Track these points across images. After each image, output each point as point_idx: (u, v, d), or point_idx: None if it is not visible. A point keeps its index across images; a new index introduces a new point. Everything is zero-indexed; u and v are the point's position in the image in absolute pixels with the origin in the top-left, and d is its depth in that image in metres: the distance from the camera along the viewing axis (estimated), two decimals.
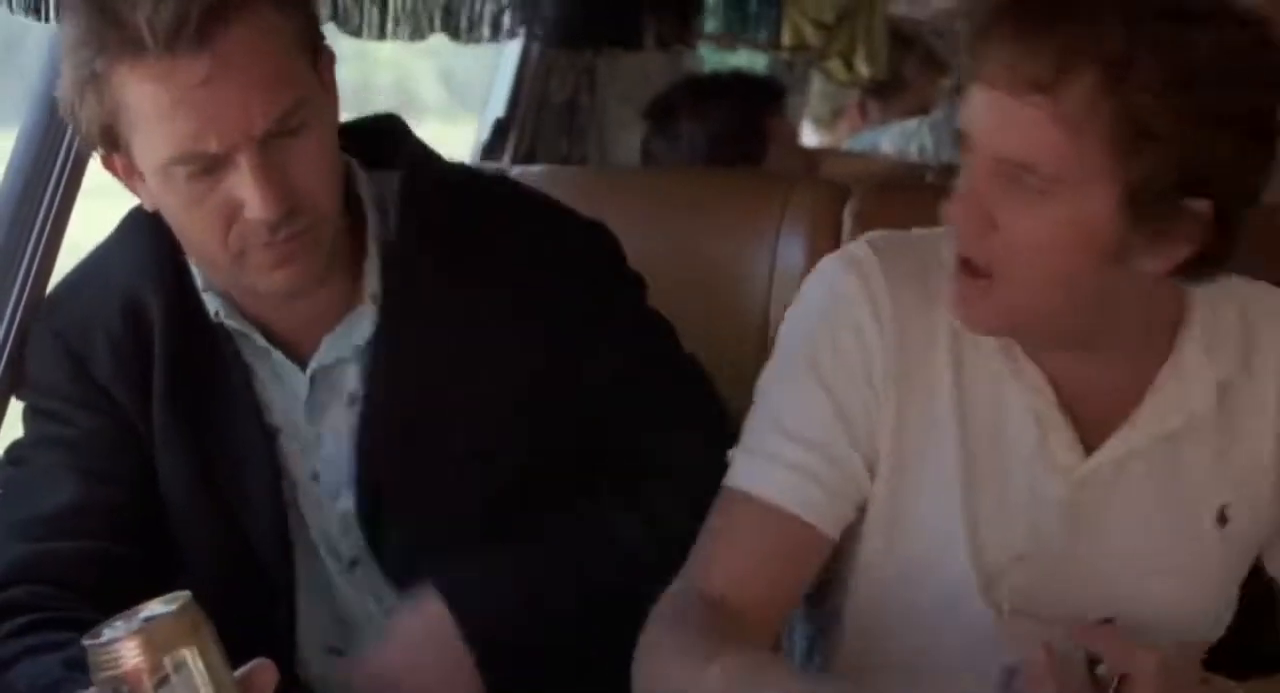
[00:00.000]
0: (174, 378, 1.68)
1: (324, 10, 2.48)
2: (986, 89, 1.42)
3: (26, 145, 1.97)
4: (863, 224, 2.09)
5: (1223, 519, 1.58)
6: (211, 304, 1.67)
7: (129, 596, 1.47)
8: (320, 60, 1.61)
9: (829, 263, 1.61)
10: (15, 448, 1.72)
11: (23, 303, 1.85)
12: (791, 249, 2.19)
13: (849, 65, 5.34)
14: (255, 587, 1.70)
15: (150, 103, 1.49)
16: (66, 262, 1.95)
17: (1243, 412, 1.58)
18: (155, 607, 1.15)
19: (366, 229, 1.69)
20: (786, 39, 5.21)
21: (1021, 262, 1.44)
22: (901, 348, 1.55)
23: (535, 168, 2.99)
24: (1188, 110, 1.36)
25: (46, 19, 1.83)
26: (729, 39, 4.68)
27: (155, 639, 1.12)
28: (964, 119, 1.46)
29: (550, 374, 1.71)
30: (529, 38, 3.29)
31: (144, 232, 1.69)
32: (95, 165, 2.01)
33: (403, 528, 1.69)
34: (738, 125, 3.02)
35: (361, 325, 1.68)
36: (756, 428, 1.60)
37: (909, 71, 5.32)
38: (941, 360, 1.56)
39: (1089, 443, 1.56)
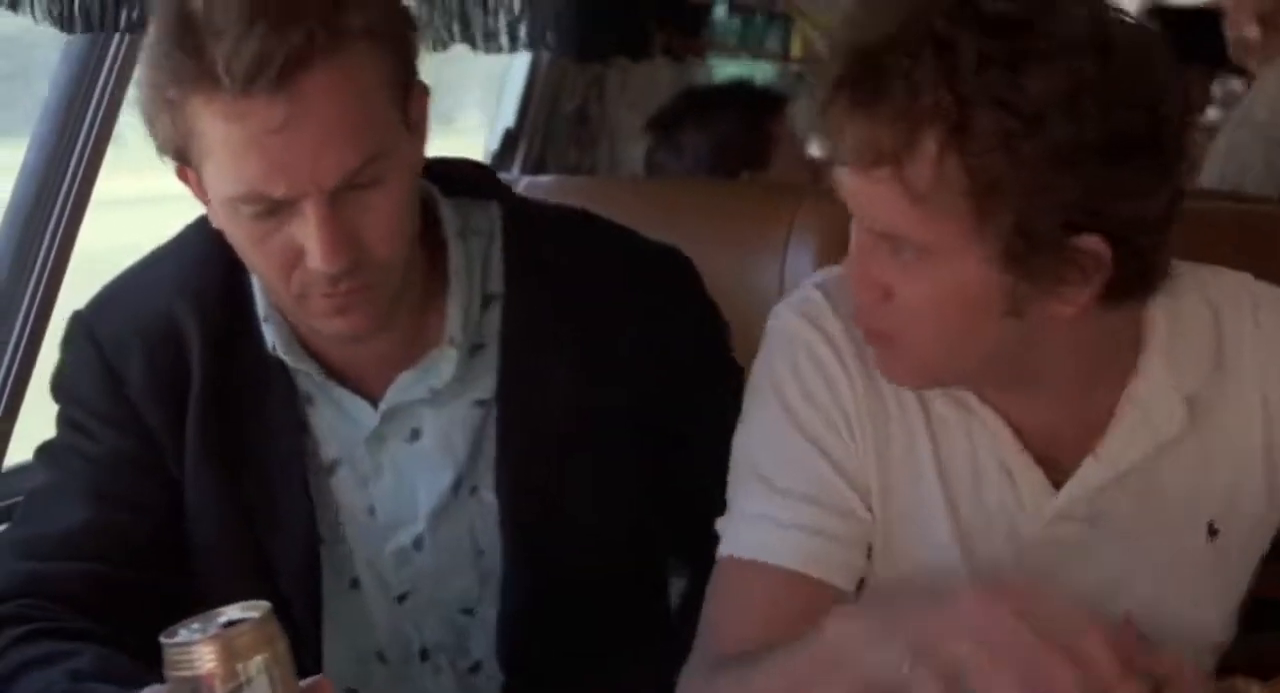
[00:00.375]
0: (211, 406, 1.61)
1: None
2: (840, 165, 1.36)
3: (38, 154, 1.98)
4: None
5: (1213, 532, 1.53)
6: (269, 336, 1.60)
7: (130, 618, 1.49)
8: (411, 98, 1.51)
9: (783, 310, 1.57)
10: (45, 451, 1.66)
11: (33, 312, 1.85)
12: (800, 260, 2.18)
13: None
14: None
15: (222, 139, 1.42)
16: (77, 275, 1.96)
17: (1221, 416, 1.51)
18: (235, 613, 1.15)
19: (446, 260, 1.62)
20: (796, 49, 5.22)
21: (917, 325, 1.39)
22: (870, 387, 1.51)
23: (544, 178, 2.99)
24: (1041, 155, 1.28)
25: (69, 30, 1.84)
26: (738, 49, 4.69)
27: (234, 647, 1.13)
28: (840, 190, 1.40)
29: (653, 433, 1.67)
30: (540, 48, 3.30)
31: (200, 246, 1.62)
32: (105, 174, 2.03)
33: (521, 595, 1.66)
34: (742, 133, 3.02)
35: (440, 369, 1.61)
36: (745, 490, 1.53)
37: None
38: (911, 401, 1.52)
39: (1058, 480, 1.50)
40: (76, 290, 1.87)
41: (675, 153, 3.01)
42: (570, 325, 1.63)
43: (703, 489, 1.56)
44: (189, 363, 1.61)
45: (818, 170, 3.26)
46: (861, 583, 1.56)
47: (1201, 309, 1.51)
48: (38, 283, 1.89)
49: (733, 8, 4.50)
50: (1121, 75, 1.30)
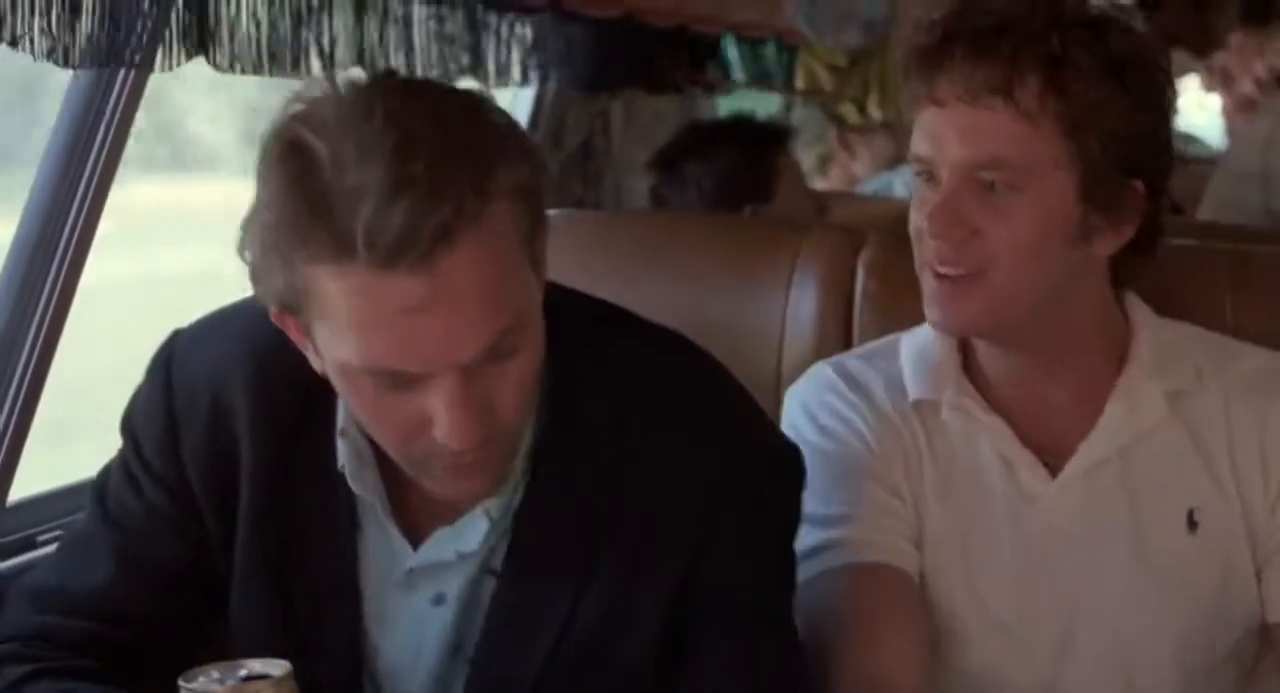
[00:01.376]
0: (265, 514, 1.50)
1: (350, 54, 2.49)
2: (942, 106, 1.60)
3: (42, 191, 1.99)
4: (877, 272, 2.08)
5: (1192, 523, 1.68)
6: (342, 455, 1.48)
7: (135, 674, 1.47)
8: (537, 241, 1.39)
9: (799, 385, 1.79)
10: (99, 486, 1.58)
11: (36, 350, 1.85)
12: (805, 295, 2.17)
13: (861, 108, 5.36)
14: None
15: (346, 311, 1.30)
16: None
17: (1198, 422, 1.69)
18: (256, 667, 1.15)
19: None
20: (800, 82, 5.24)
21: (1005, 259, 1.59)
22: (882, 428, 1.72)
23: (549, 212, 2.98)
24: (1120, 96, 1.58)
25: (70, 66, 1.84)
26: (744, 82, 4.69)
27: None
28: (922, 142, 1.63)
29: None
30: (546, 81, 3.30)
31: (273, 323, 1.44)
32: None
33: None
34: (745, 166, 3.03)
35: (468, 535, 1.49)
36: (812, 530, 1.63)
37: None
38: (917, 431, 1.73)
39: (1053, 466, 1.70)
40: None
41: (679, 187, 3.01)
42: (606, 499, 1.46)
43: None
44: (237, 450, 1.50)
45: (821, 202, 3.27)
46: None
47: (1176, 335, 1.73)
48: (40, 321, 1.88)
49: (739, 40, 4.52)
50: (1153, 49, 1.64)
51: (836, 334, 2.11)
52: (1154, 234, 1.68)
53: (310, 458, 1.49)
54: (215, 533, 1.53)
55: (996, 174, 1.58)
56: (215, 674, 1.14)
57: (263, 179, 1.33)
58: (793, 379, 1.84)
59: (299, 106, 1.33)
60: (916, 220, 1.65)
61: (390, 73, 1.37)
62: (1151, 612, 1.68)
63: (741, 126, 3.19)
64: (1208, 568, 1.69)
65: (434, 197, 1.26)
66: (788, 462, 1.53)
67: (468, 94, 1.41)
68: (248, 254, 1.35)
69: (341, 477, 1.48)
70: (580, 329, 1.48)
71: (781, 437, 1.56)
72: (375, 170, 1.26)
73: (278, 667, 1.15)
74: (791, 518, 1.54)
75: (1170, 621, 1.68)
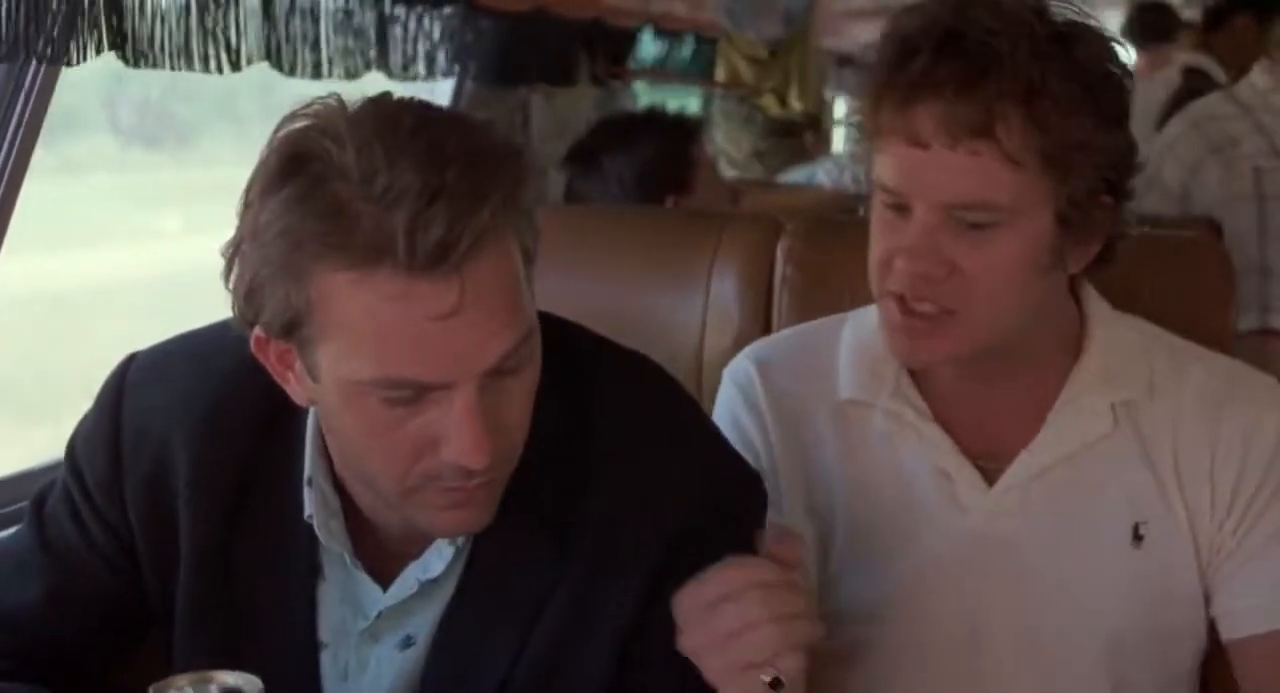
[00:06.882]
0: (214, 557, 1.47)
1: (259, 51, 2.48)
2: (917, 147, 1.51)
3: None
4: (795, 259, 2.09)
5: (1137, 537, 1.63)
6: (309, 503, 1.44)
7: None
8: (533, 258, 1.38)
9: (726, 377, 1.75)
10: (39, 504, 1.55)
11: None
12: (725, 284, 2.18)
13: (782, 101, 5.39)
14: None
15: (368, 321, 1.27)
16: None
17: (1147, 433, 1.64)
18: (228, 680, 1.14)
19: None
20: (721, 75, 5.26)
21: (981, 295, 1.54)
22: (784, 445, 1.68)
23: None
24: (1094, 118, 1.51)
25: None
26: (663, 75, 4.71)
27: None
28: (893, 176, 1.54)
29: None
30: (463, 75, 3.29)
31: (232, 360, 1.42)
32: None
33: None
34: (665, 158, 3.03)
35: (431, 562, 1.45)
36: None
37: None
38: (835, 433, 1.68)
39: (991, 475, 1.64)
40: None
41: (599, 181, 3.00)
42: (556, 550, 1.43)
43: None
44: (174, 507, 1.46)
45: (736, 193, 3.29)
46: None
47: (1136, 338, 1.68)
48: None
49: (658, 33, 4.53)
50: (1112, 50, 1.57)
51: (756, 322, 2.11)
52: (1117, 238, 1.61)
53: (261, 510, 1.46)
54: (153, 577, 1.50)
55: (979, 215, 1.51)
56: (186, 687, 1.13)
57: (263, 196, 1.29)
58: (714, 367, 1.84)
59: (303, 121, 1.31)
60: (881, 250, 1.57)
61: (387, 94, 1.35)
62: (1085, 625, 1.63)
63: (656, 119, 3.19)
64: (1149, 583, 1.63)
65: (472, 204, 1.26)
66: (751, 486, 1.51)
67: (471, 115, 1.41)
68: (234, 278, 1.32)
69: (299, 527, 1.45)
70: (548, 349, 1.43)
71: (743, 462, 1.53)
72: (407, 176, 1.24)
73: (250, 683, 1.14)
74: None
75: (1113, 630, 1.63)
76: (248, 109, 3.38)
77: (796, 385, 1.71)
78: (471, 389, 1.30)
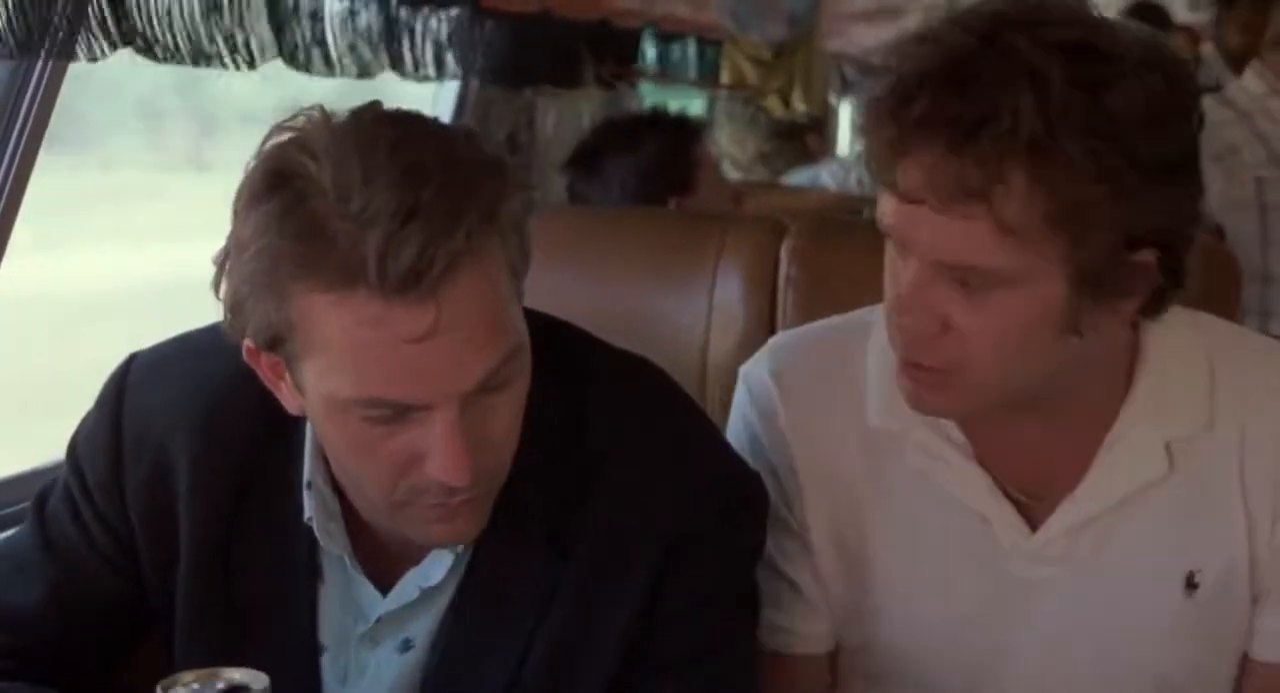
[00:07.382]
0: (216, 558, 1.46)
1: (273, 50, 2.50)
2: (910, 203, 1.34)
3: None
4: (800, 260, 2.09)
5: (1191, 585, 1.51)
6: (309, 506, 1.43)
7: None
8: (523, 272, 1.36)
9: (740, 388, 1.62)
10: (40, 504, 1.54)
11: None
12: (729, 287, 2.18)
13: (786, 102, 5.39)
14: None
15: (345, 342, 1.27)
16: None
17: (1206, 470, 1.49)
18: (235, 677, 1.14)
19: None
20: (726, 77, 5.26)
21: (983, 356, 1.38)
22: (815, 475, 1.56)
23: None
24: (1119, 175, 1.30)
25: None
26: (667, 77, 4.71)
27: None
28: (887, 216, 1.38)
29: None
30: (468, 76, 3.29)
31: (230, 363, 1.39)
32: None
33: None
34: (668, 159, 3.03)
35: (431, 570, 1.45)
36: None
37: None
38: (865, 463, 1.55)
39: (1032, 514, 1.51)
40: None
41: (600, 183, 3.00)
42: (558, 555, 1.42)
43: None
44: (174, 507, 1.46)
45: (739, 194, 3.29)
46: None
47: (1197, 357, 1.50)
48: None
49: (661, 36, 4.53)
50: (1178, 88, 1.34)
51: (761, 323, 2.11)
52: (1174, 287, 1.40)
53: (261, 513, 1.46)
54: (154, 577, 1.50)
55: (974, 277, 1.35)
56: (195, 685, 1.13)
57: (247, 209, 1.29)
58: (719, 369, 1.83)
59: (287, 135, 1.31)
60: (888, 290, 1.43)
61: (377, 104, 1.35)
62: (1128, 673, 1.53)
63: (658, 121, 3.19)
64: (1202, 630, 1.52)
65: (447, 224, 1.24)
66: (751, 489, 1.50)
67: (461, 126, 1.40)
68: (224, 289, 1.32)
69: (299, 530, 1.44)
70: (543, 353, 1.41)
71: (743, 463, 1.51)
72: (382, 196, 1.23)
73: (258, 679, 1.14)
74: (756, 544, 1.51)
75: (1148, 677, 1.53)
76: (170, 105, 3.29)
77: (821, 406, 1.57)
78: (453, 409, 1.29)
